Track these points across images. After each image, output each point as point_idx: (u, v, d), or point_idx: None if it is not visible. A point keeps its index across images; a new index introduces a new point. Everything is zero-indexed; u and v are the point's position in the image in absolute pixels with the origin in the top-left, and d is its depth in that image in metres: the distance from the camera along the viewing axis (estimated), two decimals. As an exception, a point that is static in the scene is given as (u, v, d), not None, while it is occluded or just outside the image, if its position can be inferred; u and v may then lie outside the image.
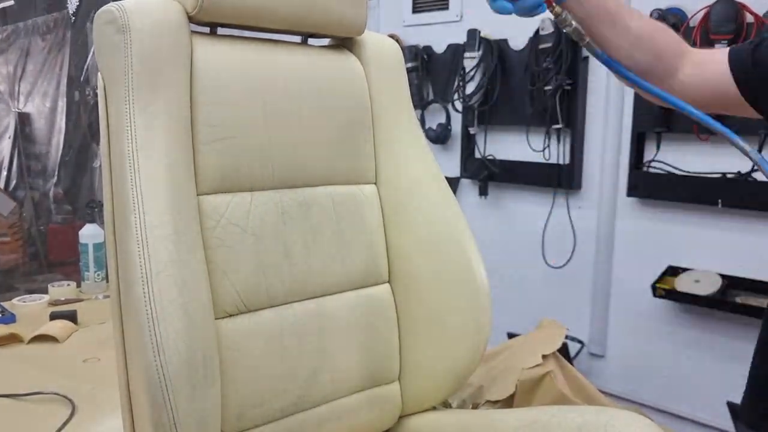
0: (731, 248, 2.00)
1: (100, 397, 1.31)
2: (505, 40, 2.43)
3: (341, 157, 1.06)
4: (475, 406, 1.58)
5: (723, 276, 1.99)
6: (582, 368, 2.27)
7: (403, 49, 1.24)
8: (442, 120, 2.67)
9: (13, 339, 1.57)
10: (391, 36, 2.18)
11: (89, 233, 1.95)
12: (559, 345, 1.73)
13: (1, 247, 4.44)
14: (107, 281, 1.95)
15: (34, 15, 4.70)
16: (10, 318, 1.70)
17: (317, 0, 1.00)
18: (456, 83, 2.53)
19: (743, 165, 1.94)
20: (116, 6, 0.86)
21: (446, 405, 1.32)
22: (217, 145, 0.92)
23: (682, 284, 2.04)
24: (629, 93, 2.14)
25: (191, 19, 0.92)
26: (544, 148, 2.34)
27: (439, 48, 2.65)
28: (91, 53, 4.21)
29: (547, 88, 2.24)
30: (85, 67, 4.32)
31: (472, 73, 2.46)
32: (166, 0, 0.90)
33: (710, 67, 0.96)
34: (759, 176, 1.91)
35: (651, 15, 1.97)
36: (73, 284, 1.97)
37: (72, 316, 1.70)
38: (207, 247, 0.90)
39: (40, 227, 4.68)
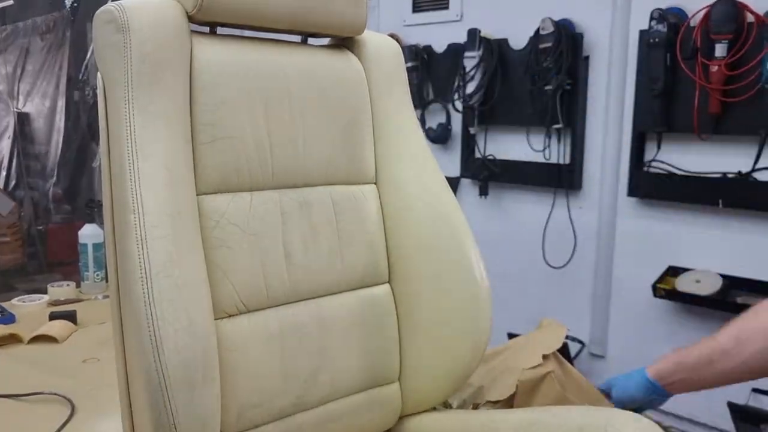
0: (732, 248, 2.00)
1: (99, 397, 1.31)
2: (505, 40, 2.43)
3: (341, 156, 1.06)
4: (476, 407, 1.57)
5: (723, 276, 1.99)
6: (582, 368, 2.26)
7: (403, 48, 1.24)
8: (442, 120, 2.67)
9: (13, 339, 1.57)
10: (391, 36, 2.17)
11: (89, 233, 1.94)
12: (559, 345, 1.72)
13: (0, 247, 4.44)
14: (107, 281, 1.94)
15: (34, 15, 4.70)
16: (9, 318, 1.70)
17: (317, 0, 1.00)
18: (456, 83, 2.52)
19: (744, 165, 1.93)
20: (116, 5, 0.86)
21: (446, 405, 1.31)
22: (217, 145, 0.92)
23: (683, 284, 2.03)
24: (630, 93, 2.14)
25: (191, 19, 0.92)
26: (545, 148, 2.33)
27: (439, 48, 2.65)
28: (90, 53, 4.21)
29: (547, 87, 2.24)
30: (84, 66, 4.31)
31: (472, 73, 2.46)
32: (165, 0, 0.90)
33: None
34: (759, 176, 1.91)
35: (652, 14, 1.98)
36: (73, 284, 1.97)
37: (71, 317, 1.69)
38: (207, 248, 0.90)
39: (39, 227, 4.68)
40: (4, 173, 4.95)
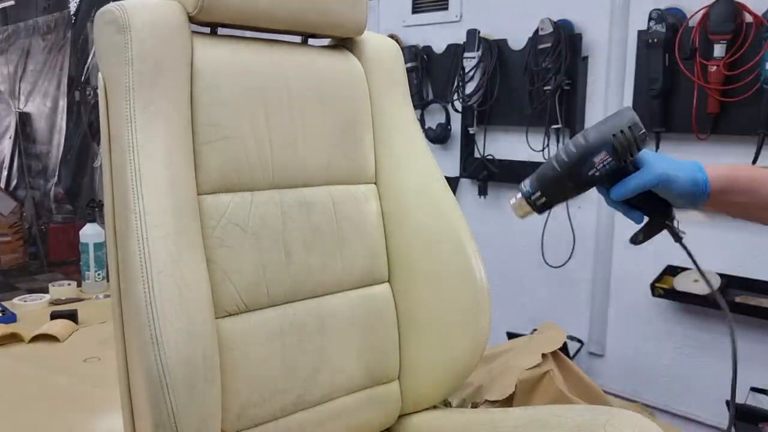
0: (731, 248, 2.01)
1: (100, 396, 1.32)
2: (504, 40, 2.43)
3: (341, 156, 1.07)
4: (475, 406, 1.58)
5: (722, 275, 1.99)
6: (581, 368, 2.26)
7: (402, 49, 1.25)
8: (442, 120, 2.67)
9: (14, 338, 1.57)
10: (391, 36, 2.18)
11: (90, 233, 1.95)
12: (559, 345, 1.73)
13: (1, 246, 4.44)
14: (108, 281, 1.95)
15: (35, 15, 4.70)
16: (11, 317, 1.71)
17: (317, 0, 1.00)
18: (455, 83, 2.53)
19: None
20: (117, 6, 0.87)
21: (446, 404, 1.32)
22: (218, 145, 0.92)
23: (681, 284, 2.04)
24: (628, 93, 2.15)
25: (192, 20, 0.93)
26: (544, 148, 2.34)
27: (439, 48, 2.66)
28: (92, 53, 4.21)
29: (546, 88, 2.24)
30: (86, 67, 4.31)
31: (471, 73, 2.46)
32: (166, 0, 0.91)
33: None
34: (758, 176, 1.91)
35: (650, 15, 1.98)
36: (74, 284, 1.98)
37: (72, 316, 1.70)
38: (207, 247, 0.90)
39: (40, 227, 4.68)
40: (5, 173, 4.96)
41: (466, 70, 2.46)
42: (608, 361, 2.33)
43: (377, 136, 1.12)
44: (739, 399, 1.95)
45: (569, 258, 2.35)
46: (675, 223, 0.90)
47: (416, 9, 2.75)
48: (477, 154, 2.59)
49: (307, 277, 1.00)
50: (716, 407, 2.01)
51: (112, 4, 0.88)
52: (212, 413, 0.84)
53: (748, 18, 1.84)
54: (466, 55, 2.47)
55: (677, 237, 0.89)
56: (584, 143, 0.84)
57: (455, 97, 2.54)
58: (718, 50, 1.86)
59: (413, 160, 1.12)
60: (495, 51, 2.42)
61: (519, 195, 0.89)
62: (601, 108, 2.23)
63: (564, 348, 1.89)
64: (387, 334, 1.09)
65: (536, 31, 2.26)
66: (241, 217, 0.94)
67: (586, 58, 2.24)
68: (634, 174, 0.87)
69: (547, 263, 2.41)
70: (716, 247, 2.03)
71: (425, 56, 2.67)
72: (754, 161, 1.89)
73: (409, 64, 2.59)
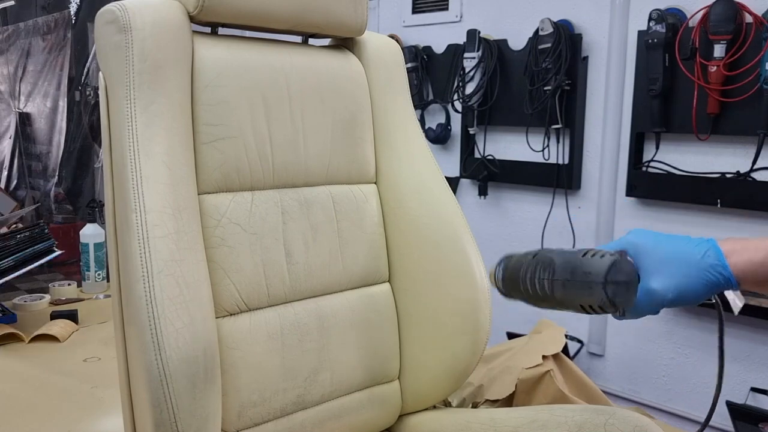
0: (730, 248, 2.00)
1: (100, 396, 1.32)
2: (504, 41, 2.44)
3: (341, 156, 1.07)
4: (475, 405, 1.58)
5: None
6: (581, 368, 2.26)
7: (402, 49, 1.25)
8: (442, 120, 2.67)
9: (14, 338, 1.58)
10: (391, 36, 2.18)
11: (90, 233, 1.95)
12: (560, 348, 1.73)
13: (1, 247, 4.43)
14: (108, 281, 1.95)
15: (35, 15, 4.70)
16: (11, 317, 1.70)
17: (318, 0, 1.00)
18: (455, 83, 2.53)
19: (742, 165, 1.94)
20: (117, 6, 0.87)
21: (446, 404, 1.32)
22: (218, 145, 0.93)
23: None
24: (628, 93, 2.15)
25: (192, 19, 0.93)
26: (544, 148, 2.34)
27: (439, 48, 2.66)
28: (92, 53, 4.21)
29: (546, 88, 2.24)
30: (86, 67, 4.31)
31: (471, 74, 2.46)
32: (167, 0, 0.91)
33: None
34: (758, 176, 1.91)
35: (650, 15, 1.98)
36: (74, 284, 1.98)
37: (73, 316, 1.70)
38: (208, 247, 0.90)
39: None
40: (5, 173, 4.96)
41: (467, 71, 2.47)
42: (608, 361, 2.33)
43: (377, 136, 1.12)
44: (739, 399, 1.95)
45: (569, 258, 2.35)
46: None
47: (416, 9, 2.76)
48: (477, 155, 2.59)
49: (308, 276, 1.00)
50: (716, 408, 2.01)
51: (112, 3, 0.88)
52: (212, 413, 0.85)
53: (748, 18, 1.84)
54: (466, 55, 2.47)
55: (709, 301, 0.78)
56: (549, 293, 0.75)
57: (455, 97, 2.54)
58: (718, 50, 1.87)
59: (413, 160, 1.12)
60: (495, 51, 2.42)
61: (493, 277, 0.83)
62: (601, 108, 2.24)
63: (564, 348, 1.89)
64: (387, 334, 1.09)
65: (536, 32, 2.27)
66: (241, 216, 0.94)
67: (586, 59, 2.25)
68: (633, 307, 0.73)
69: (547, 263, 2.41)
70: (716, 248, 2.03)
71: (425, 56, 2.67)
72: (755, 161, 1.89)
73: (409, 64, 2.59)
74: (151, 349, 0.78)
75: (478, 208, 2.61)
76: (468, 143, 2.61)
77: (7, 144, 4.98)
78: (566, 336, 2.12)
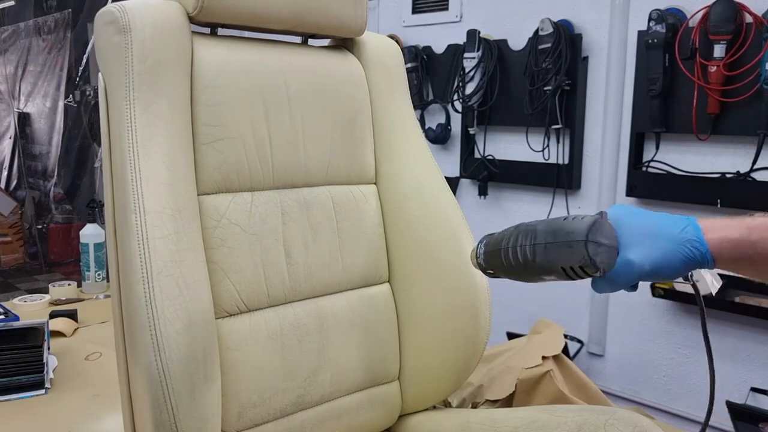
0: (730, 248, 2.00)
1: (100, 395, 1.32)
2: (504, 41, 2.43)
3: (341, 157, 1.07)
4: (475, 406, 1.58)
5: (722, 275, 1.99)
6: (581, 368, 2.27)
7: (402, 49, 1.25)
8: (442, 120, 2.67)
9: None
10: (391, 36, 2.18)
11: (90, 233, 1.95)
12: (560, 349, 1.73)
13: (1, 247, 4.44)
14: (108, 281, 1.95)
15: (35, 15, 4.70)
16: (14, 319, 1.70)
17: (317, 1, 1.00)
18: (455, 83, 2.53)
19: (742, 165, 1.94)
20: (117, 6, 0.87)
21: (446, 404, 1.32)
22: (218, 145, 0.93)
23: (681, 284, 2.04)
24: (628, 93, 2.15)
25: (192, 20, 0.93)
26: (544, 148, 2.34)
27: (439, 48, 2.66)
28: (88, 51, 4.21)
29: (546, 88, 2.24)
30: (82, 66, 4.31)
31: (471, 74, 2.46)
32: (166, 1, 0.91)
33: None
34: (758, 176, 1.91)
35: (650, 15, 1.98)
36: (74, 284, 1.98)
37: (72, 316, 1.70)
38: (207, 247, 0.90)
39: (40, 227, 4.68)
40: (5, 173, 4.96)
41: (466, 71, 2.47)
42: (608, 361, 2.33)
43: (377, 137, 1.12)
44: (739, 399, 1.95)
45: (569, 258, 2.35)
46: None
47: (416, 9, 2.76)
48: (477, 155, 2.59)
49: (307, 277, 1.00)
50: (716, 407, 2.01)
51: (112, 4, 0.88)
52: (212, 413, 0.85)
53: (748, 18, 1.84)
54: (466, 55, 2.47)
55: (685, 282, 0.78)
56: (530, 260, 0.74)
57: (455, 97, 2.54)
58: (718, 50, 1.86)
59: (413, 161, 1.12)
60: (495, 51, 2.42)
61: (474, 254, 0.82)
62: (601, 108, 2.24)
63: (564, 348, 1.89)
64: (387, 334, 1.09)
65: (536, 32, 2.27)
66: (241, 217, 0.94)
67: (586, 59, 2.25)
68: (610, 275, 0.72)
69: (547, 263, 2.41)
70: (716, 248, 2.03)
71: (425, 56, 2.67)
72: (755, 161, 1.89)
73: (409, 65, 2.59)
74: (151, 349, 0.78)
75: (478, 208, 2.61)
76: (468, 143, 2.61)
77: (7, 144, 4.99)
78: (566, 336, 2.12)
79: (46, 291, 1.95)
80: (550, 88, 2.23)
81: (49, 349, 1.41)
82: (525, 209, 2.51)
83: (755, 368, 1.96)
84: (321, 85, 1.04)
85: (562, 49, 2.20)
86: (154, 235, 0.81)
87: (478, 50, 2.44)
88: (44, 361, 1.35)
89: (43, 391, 1.33)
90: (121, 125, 0.85)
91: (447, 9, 2.65)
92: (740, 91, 1.86)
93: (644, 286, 2.13)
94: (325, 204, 1.04)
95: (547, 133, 2.32)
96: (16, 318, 1.70)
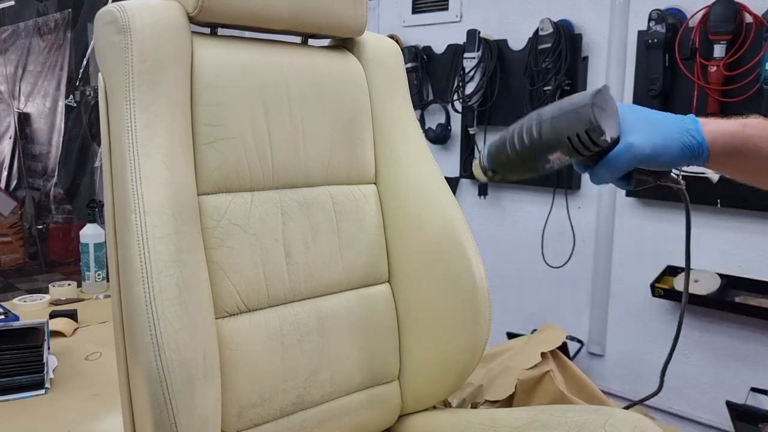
0: (730, 248, 2.01)
1: (100, 395, 1.32)
2: (504, 41, 2.44)
3: (341, 157, 1.07)
4: (475, 406, 1.58)
5: (722, 275, 2.00)
6: (581, 368, 2.27)
7: (402, 49, 1.25)
8: (442, 120, 2.67)
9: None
10: (391, 36, 2.18)
11: (90, 233, 1.95)
12: (559, 344, 1.73)
13: (1, 247, 4.45)
14: (108, 281, 1.95)
15: (35, 15, 4.70)
16: (14, 319, 1.70)
17: (317, 1, 1.00)
18: (455, 83, 2.53)
19: (742, 165, 1.94)
20: (117, 6, 0.87)
21: (446, 404, 1.32)
22: (218, 145, 0.93)
23: (681, 284, 2.04)
24: (628, 93, 2.15)
25: (192, 20, 0.93)
26: (544, 148, 2.34)
27: (439, 48, 2.66)
28: (89, 51, 4.21)
29: (546, 88, 2.24)
30: (82, 66, 4.31)
31: (471, 74, 2.46)
32: (166, 1, 0.91)
33: None
34: (758, 176, 1.91)
35: (650, 15, 1.98)
36: (74, 284, 1.98)
37: (72, 316, 1.70)
38: (207, 247, 0.90)
39: (40, 227, 4.68)
40: (5, 173, 4.96)
41: (466, 71, 2.47)
42: (608, 361, 2.33)
43: (377, 137, 1.12)
44: (739, 399, 1.96)
45: (569, 258, 2.35)
46: (671, 178, 0.80)
47: (416, 9, 2.76)
48: (477, 155, 2.59)
49: (307, 277, 1.00)
50: (716, 407, 2.01)
51: (112, 4, 0.88)
52: (212, 413, 0.85)
53: (748, 18, 1.84)
54: (466, 55, 2.47)
55: (676, 186, 0.80)
56: (536, 138, 0.76)
57: (455, 97, 2.54)
58: (718, 50, 1.87)
59: (413, 161, 1.12)
60: (495, 51, 2.42)
61: (476, 162, 0.84)
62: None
63: (564, 348, 1.89)
64: (387, 334, 1.09)
65: (536, 32, 2.27)
66: (241, 217, 0.94)
67: (586, 59, 2.25)
68: (611, 156, 0.74)
69: (547, 263, 2.41)
70: (716, 248, 2.03)
71: (425, 56, 2.67)
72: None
73: (409, 65, 2.59)
74: (151, 349, 0.78)
75: (478, 208, 2.61)
76: (468, 143, 2.61)
77: (7, 144, 4.99)
78: (566, 337, 2.12)
79: (46, 291, 1.95)
80: (550, 88, 2.23)
81: (49, 349, 1.41)
82: (525, 209, 2.51)
83: (755, 368, 1.96)
84: (321, 85, 1.04)
85: (562, 49, 2.20)
86: (154, 235, 0.81)
87: (478, 50, 2.44)
88: (44, 361, 1.35)
89: (43, 391, 1.33)
90: (121, 125, 0.85)
91: (447, 9, 2.65)
92: (740, 91, 1.86)
93: (644, 286, 2.13)
94: (325, 204, 1.04)
95: (547, 133, 2.32)
96: (16, 318, 1.70)
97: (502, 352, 1.81)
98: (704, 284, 2.00)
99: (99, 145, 4.07)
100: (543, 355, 1.67)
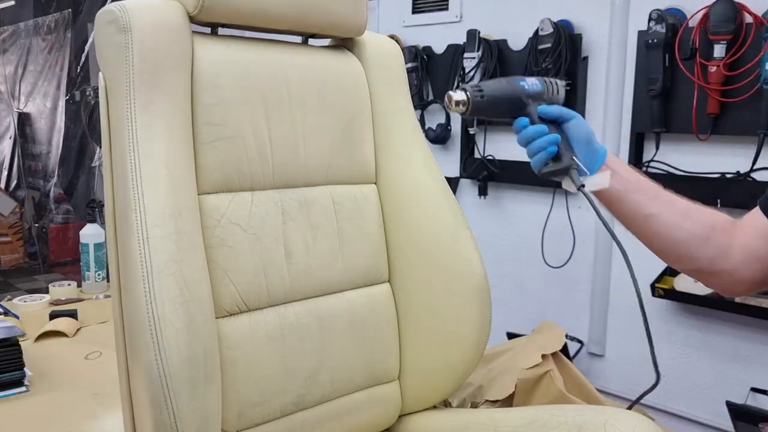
0: (730, 248, 2.00)
1: (100, 395, 1.32)
2: (504, 41, 2.43)
3: (341, 157, 1.07)
4: (475, 406, 1.58)
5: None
6: (581, 368, 2.27)
7: (402, 49, 1.25)
8: (442, 120, 2.67)
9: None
10: (391, 36, 2.18)
11: (90, 233, 1.95)
12: (560, 346, 1.73)
13: (1, 247, 4.45)
14: (108, 281, 1.95)
15: (35, 15, 4.70)
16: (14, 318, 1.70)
17: (317, 0, 1.00)
18: (456, 83, 2.53)
19: (742, 165, 1.94)
20: (117, 6, 0.87)
21: (446, 404, 1.32)
22: (218, 145, 0.93)
23: (681, 284, 2.04)
24: (628, 93, 2.15)
25: (192, 20, 0.93)
26: (544, 148, 2.34)
27: (439, 48, 2.66)
28: (87, 48, 4.21)
29: (546, 88, 2.24)
30: (80, 63, 4.31)
31: (471, 74, 2.46)
32: (167, 0, 0.91)
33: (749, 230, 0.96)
34: (758, 176, 1.91)
35: (650, 15, 1.98)
36: (74, 284, 1.98)
37: (72, 316, 1.70)
38: (208, 247, 0.90)
39: (40, 227, 4.68)
40: (5, 173, 4.96)
41: (467, 71, 2.46)
42: (608, 362, 2.33)
43: (377, 137, 1.12)
44: (739, 399, 1.95)
45: (569, 258, 2.35)
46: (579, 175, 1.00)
47: (416, 9, 2.76)
48: (477, 155, 2.59)
49: (308, 277, 1.00)
50: (716, 407, 2.01)
51: (112, 4, 0.88)
52: (213, 413, 0.85)
53: (748, 18, 1.84)
54: (466, 55, 2.47)
55: (578, 182, 1.01)
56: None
57: (455, 97, 2.54)
58: (718, 50, 1.86)
59: (413, 161, 1.12)
60: (495, 51, 2.42)
61: (462, 92, 0.93)
62: (601, 108, 2.24)
63: (564, 348, 1.89)
64: (387, 334, 1.09)
65: (536, 32, 2.26)
66: (241, 216, 0.94)
67: (586, 59, 2.25)
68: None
69: (547, 263, 2.41)
70: (716, 248, 2.03)
71: (425, 56, 2.67)
72: (754, 161, 1.89)
73: (409, 65, 2.59)
74: (151, 348, 0.78)
75: (478, 208, 2.61)
76: (468, 143, 2.61)
77: (7, 144, 4.99)
78: (566, 337, 2.12)
79: (46, 291, 1.95)
80: (550, 88, 2.23)
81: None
82: (525, 209, 2.51)
83: (755, 368, 1.96)
84: (321, 85, 1.04)
85: (562, 49, 2.20)
86: (155, 235, 0.81)
87: (478, 50, 2.44)
88: (23, 359, 1.34)
89: (24, 389, 1.33)
90: (121, 125, 0.85)
91: (447, 9, 2.65)
92: (740, 91, 1.85)
93: (644, 286, 2.13)
94: (326, 204, 1.04)
95: (547, 133, 2.32)
96: (16, 318, 1.70)
97: (502, 352, 1.81)
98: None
99: (98, 144, 4.07)
100: (543, 355, 1.67)
